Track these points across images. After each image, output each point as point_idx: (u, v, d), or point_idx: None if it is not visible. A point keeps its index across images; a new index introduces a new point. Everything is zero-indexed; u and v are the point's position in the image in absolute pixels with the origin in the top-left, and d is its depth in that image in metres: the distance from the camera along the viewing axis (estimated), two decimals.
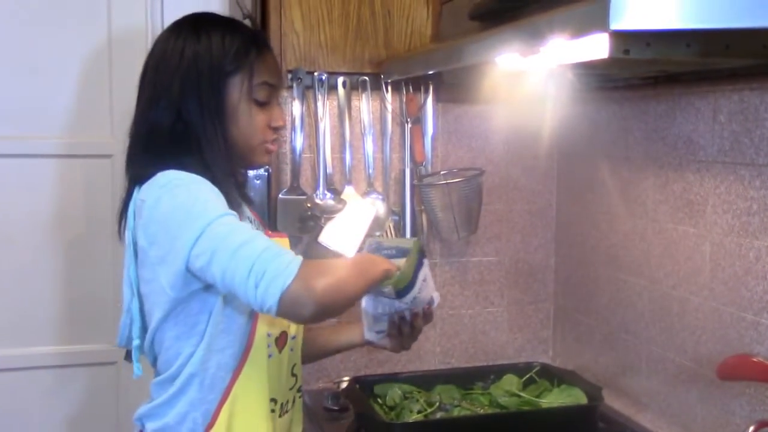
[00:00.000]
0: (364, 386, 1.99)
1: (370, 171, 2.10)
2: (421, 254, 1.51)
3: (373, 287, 1.41)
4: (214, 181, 1.38)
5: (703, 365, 1.69)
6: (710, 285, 1.65)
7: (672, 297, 1.78)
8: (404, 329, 1.55)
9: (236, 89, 1.43)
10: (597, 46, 1.16)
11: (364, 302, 1.56)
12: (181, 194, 1.32)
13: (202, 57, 1.41)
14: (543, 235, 2.30)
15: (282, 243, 1.52)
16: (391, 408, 1.91)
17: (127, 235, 1.43)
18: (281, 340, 1.47)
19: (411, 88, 2.11)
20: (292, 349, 1.51)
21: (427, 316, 1.56)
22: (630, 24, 0.98)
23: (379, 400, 1.95)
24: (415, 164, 2.13)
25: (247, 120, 1.44)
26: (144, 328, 1.46)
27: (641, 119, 1.86)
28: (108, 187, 2.10)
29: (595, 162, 2.05)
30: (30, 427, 2.11)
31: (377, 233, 2.09)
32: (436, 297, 1.58)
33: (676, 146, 1.75)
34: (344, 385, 2.00)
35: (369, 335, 1.60)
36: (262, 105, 1.46)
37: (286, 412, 1.52)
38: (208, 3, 2.07)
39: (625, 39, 1.15)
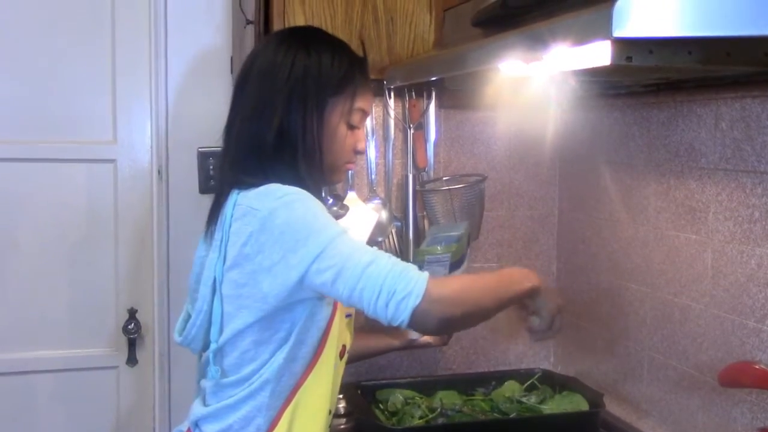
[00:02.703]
0: (366, 392, 1.99)
1: (373, 176, 2.11)
2: (468, 240, 1.68)
3: (512, 303, 1.46)
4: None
5: (705, 372, 1.69)
6: (712, 292, 1.65)
7: (674, 304, 1.78)
8: None
9: (337, 111, 1.46)
10: (599, 54, 1.17)
11: None
12: (299, 209, 1.34)
13: (312, 74, 1.44)
14: (545, 242, 2.30)
15: None
16: (393, 413, 1.92)
17: (218, 235, 1.43)
18: (341, 351, 1.51)
19: (414, 93, 2.12)
20: (345, 360, 1.56)
21: None
22: (632, 31, 0.99)
23: (380, 405, 1.95)
24: (418, 170, 2.13)
25: (340, 141, 1.49)
26: (221, 329, 1.45)
27: (643, 126, 1.87)
28: (111, 191, 2.11)
29: (597, 169, 2.06)
30: (32, 430, 2.11)
31: (380, 239, 2.09)
32: None
33: (678, 153, 1.75)
34: (346, 390, 2.00)
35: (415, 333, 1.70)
36: (353, 128, 1.50)
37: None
38: (211, 9, 2.08)
39: (627, 46, 1.16)
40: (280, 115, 1.42)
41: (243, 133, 1.46)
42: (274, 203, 1.34)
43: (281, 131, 1.42)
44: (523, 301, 1.47)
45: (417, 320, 1.29)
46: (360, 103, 1.49)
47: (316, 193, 1.43)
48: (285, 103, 1.43)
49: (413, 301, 1.28)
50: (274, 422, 1.41)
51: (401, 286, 1.28)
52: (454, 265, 1.63)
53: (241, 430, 1.42)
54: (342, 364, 1.54)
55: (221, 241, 1.41)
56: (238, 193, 1.42)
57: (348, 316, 1.55)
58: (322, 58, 1.45)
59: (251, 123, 1.45)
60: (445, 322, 1.34)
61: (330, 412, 1.51)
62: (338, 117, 1.47)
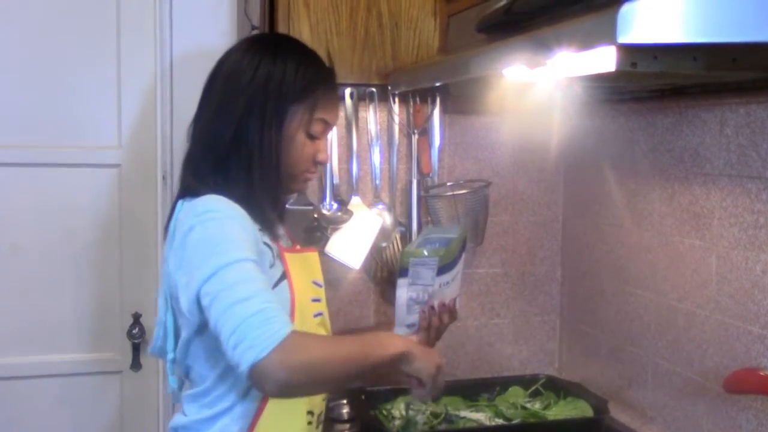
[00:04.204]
0: (370, 398, 1.99)
1: (377, 182, 2.11)
2: (463, 244, 1.61)
3: (376, 370, 1.39)
4: (254, 200, 1.42)
5: (710, 378, 1.68)
6: (717, 298, 1.65)
7: (678, 310, 1.77)
8: (433, 321, 1.62)
9: (296, 119, 1.46)
10: (604, 59, 1.17)
11: (398, 292, 1.62)
12: (212, 228, 1.35)
13: (275, 80, 1.44)
14: (549, 247, 2.30)
15: (312, 258, 1.58)
16: (397, 419, 1.91)
17: (167, 247, 1.45)
18: None
19: (418, 99, 2.12)
20: None
21: (452, 312, 1.66)
22: (637, 37, 0.99)
23: (384, 411, 1.95)
24: (422, 175, 2.14)
25: (298, 149, 1.48)
26: (177, 341, 1.47)
27: (648, 132, 1.87)
28: (115, 196, 2.11)
29: (602, 174, 2.06)
30: None
31: (383, 244, 2.09)
32: (459, 299, 1.69)
33: (682, 159, 1.75)
34: (350, 395, 2.00)
35: (399, 330, 1.65)
36: (313, 138, 1.50)
37: (321, 422, 1.55)
38: (216, 16, 2.08)
39: (632, 52, 1.16)
40: (239, 117, 1.43)
41: (203, 132, 1.48)
42: (194, 220, 1.36)
43: (238, 133, 1.43)
44: (396, 367, 1.39)
45: (254, 376, 1.24)
46: (321, 113, 1.49)
47: (267, 200, 1.44)
48: (245, 106, 1.43)
49: (254, 355, 1.22)
50: (249, 429, 1.42)
51: (253, 335, 1.23)
52: (443, 270, 1.61)
53: None
54: None
55: (167, 254, 1.44)
56: (182, 204, 1.44)
57: (318, 314, 1.53)
58: (287, 66, 1.45)
59: (211, 123, 1.47)
60: (283, 388, 1.27)
61: (311, 413, 1.49)
62: (297, 125, 1.46)
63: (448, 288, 1.65)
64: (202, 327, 1.38)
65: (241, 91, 1.44)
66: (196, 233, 1.35)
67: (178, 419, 1.50)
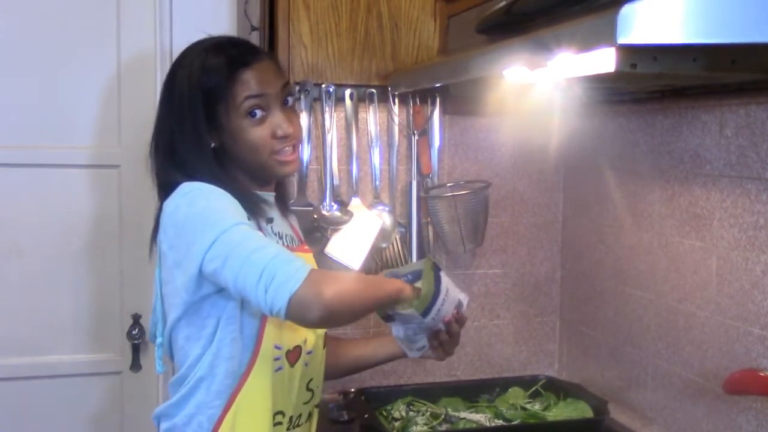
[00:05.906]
0: (370, 398, 1.99)
1: (377, 183, 2.11)
2: (436, 269, 1.51)
3: (386, 303, 1.43)
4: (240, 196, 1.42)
5: (710, 379, 1.68)
6: (717, 299, 1.65)
7: (678, 311, 1.77)
8: (443, 338, 1.57)
9: (224, 112, 1.43)
10: (604, 60, 1.17)
11: (394, 330, 1.57)
12: (200, 202, 1.36)
13: (184, 90, 1.44)
14: (549, 248, 2.30)
15: (307, 260, 1.54)
16: (397, 420, 1.92)
17: (158, 240, 1.46)
18: (294, 354, 1.48)
19: (418, 100, 2.12)
20: (306, 364, 1.51)
21: (460, 320, 1.57)
22: (637, 38, 0.99)
23: (384, 411, 1.95)
24: (422, 176, 2.14)
25: (246, 138, 1.44)
26: (165, 325, 1.50)
27: (648, 133, 1.87)
28: (115, 197, 2.11)
29: (602, 175, 2.06)
30: None
31: (384, 245, 2.09)
32: (464, 298, 1.58)
33: (682, 160, 1.75)
34: (350, 396, 2.00)
35: (412, 354, 1.63)
36: (258, 118, 1.44)
37: (299, 425, 1.54)
38: (216, 17, 2.08)
39: (632, 53, 1.16)
40: (177, 130, 1.45)
41: (159, 145, 1.49)
42: (179, 200, 1.38)
43: (181, 159, 1.44)
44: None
45: (295, 309, 1.26)
46: (243, 93, 1.42)
47: (240, 193, 1.42)
48: (177, 119, 1.45)
49: (291, 287, 1.24)
50: (217, 424, 1.42)
51: (282, 272, 1.26)
52: (426, 312, 1.46)
53: (184, 427, 1.44)
54: (299, 367, 1.49)
55: (159, 245, 1.46)
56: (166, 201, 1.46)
57: None
58: (192, 69, 1.43)
59: (161, 137, 1.48)
60: (326, 313, 1.27)
61: (281, 414, 1.48)
62: (228, 117, 1.43)
63: (444, 308, 1.51)
64: (193, 305, 1.39)
65: (167, 108, 1.46)
66: (183, 211, 1.36)
67: (158, 408, 1.51)
